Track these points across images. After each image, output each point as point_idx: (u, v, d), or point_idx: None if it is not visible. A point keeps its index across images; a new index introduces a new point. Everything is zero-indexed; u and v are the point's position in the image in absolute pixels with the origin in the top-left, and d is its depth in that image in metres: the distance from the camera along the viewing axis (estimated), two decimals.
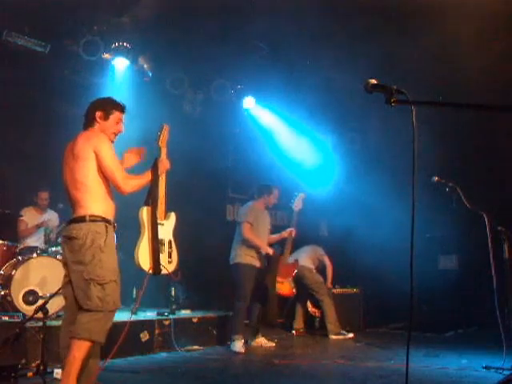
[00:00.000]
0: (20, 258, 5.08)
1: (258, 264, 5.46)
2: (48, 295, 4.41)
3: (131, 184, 3.20)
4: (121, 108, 3.30)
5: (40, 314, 3.85)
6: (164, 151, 3.59)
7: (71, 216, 3.15)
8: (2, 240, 5.37)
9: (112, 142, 3.23)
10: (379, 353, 5.27)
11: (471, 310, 6.55)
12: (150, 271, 3.35)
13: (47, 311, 3.88)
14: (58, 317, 4.89)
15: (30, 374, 3.72)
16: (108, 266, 3.05)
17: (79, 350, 2.91)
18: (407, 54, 5.83)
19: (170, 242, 3.54)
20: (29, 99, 6.27)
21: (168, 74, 7.17)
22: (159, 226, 3.46)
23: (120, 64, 6.77)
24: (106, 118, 3.24)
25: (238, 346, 5.21)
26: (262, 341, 5.67)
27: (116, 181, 3.13)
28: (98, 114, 3.24)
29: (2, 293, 4.75)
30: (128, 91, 7.05)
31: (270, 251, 5.47)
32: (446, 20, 5.13)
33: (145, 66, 7.06)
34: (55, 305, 4.72)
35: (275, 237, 5.89)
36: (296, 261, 6.20)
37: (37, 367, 3.72)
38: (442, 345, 5.94)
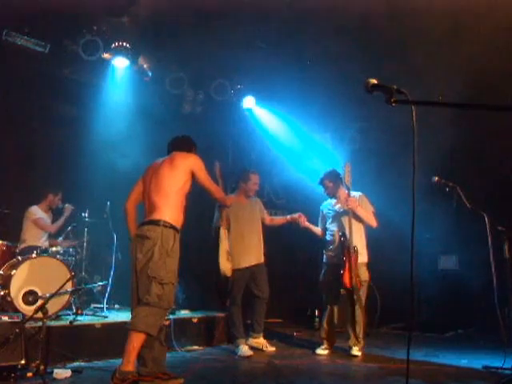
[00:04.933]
0: (20, 257, 5.09)
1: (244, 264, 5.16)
2: (48, 295, 4.41)
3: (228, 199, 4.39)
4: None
5: (40, 314, 3.85)
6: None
7: (146, 218, 3.57)
8: (2, 240, 5.38)
9: None
10: (379, 353, 5.27)
11: (471, 310, 6.55)
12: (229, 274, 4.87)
13: (47, 311, 3.88)
14: (57, 317, 4.90)
15: (29, 374, 3.72)
16: (170, 269, 3.46)
17: (137, 340, 3.30)
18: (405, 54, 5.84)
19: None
20: (29, 99, 6.27)
21: (168, 73, 7.17)
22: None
23: (120, 64, 6.77)
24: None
25: (244, 349, 5.03)
26: (263, 343, 5.36)
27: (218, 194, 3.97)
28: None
29: (2, 293, 4.74)
30: (128, 91, 7.06)
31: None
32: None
33: (145, 65, 7.06)
34: (55, 305, 4.73)
35: (278, 220, 5.61)
36: (355, 247, 5.08)
37: (37, 367, 3.72)
38: (442, 345, 5.94)
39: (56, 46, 6.17)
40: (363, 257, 5.16)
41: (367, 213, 5.14)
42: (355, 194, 5.17)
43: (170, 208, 3.55)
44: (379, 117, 7.08)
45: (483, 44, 5.31)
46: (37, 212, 6.00)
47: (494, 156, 6.80)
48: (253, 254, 5.23)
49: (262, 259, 5.31)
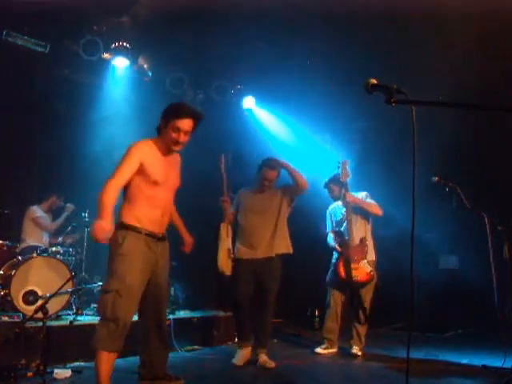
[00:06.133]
0: (20, 257, 5.09)
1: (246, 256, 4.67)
2: (48, 295, 4.41)
3: None
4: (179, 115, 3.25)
5: (40, 314, 3.85)
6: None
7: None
8: (2, 240, 5.39)
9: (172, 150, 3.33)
10: (379, 353, 5.27)
11: (471, 310, 6.54)
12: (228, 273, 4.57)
13: (47, 311, 3.88)
14: (58, 317, 4.90)
15: (29, 373, 3.72)
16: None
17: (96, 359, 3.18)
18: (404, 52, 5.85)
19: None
20: (29, 99, 6.27)
21: (168, 73, 7.17)
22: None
23: (120, 64, 6.77)
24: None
25: (237, 357, 4.56)
26: (262, 360, 4.49)
27: None
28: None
29: (2, 293, 4.75)
30: (128, 91, 7.06)
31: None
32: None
33: (145, 65, 7.07)
34: (55, 305, 4.73)
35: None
36: (362, 238, 5.13)
37: (37, 367, 3.71)
38: (442, 345, 5.94)
39: (56, 46, 6.18)
40: (370, 255, 5.16)
41: (370, 202, 5.14)
42: (361, 194, 5.21)
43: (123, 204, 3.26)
44: (380, 117, 7.07)
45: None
46: (36, 211, 6.02)
47: (494, 156, 6.80)
48: (260, 248, 4.63)
49: (272, 253, 4.63)
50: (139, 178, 3.16)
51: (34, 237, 5.92)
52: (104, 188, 3.06)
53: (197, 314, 5.92)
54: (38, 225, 5.96)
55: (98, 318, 3.17)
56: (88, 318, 5.08)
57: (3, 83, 5.72)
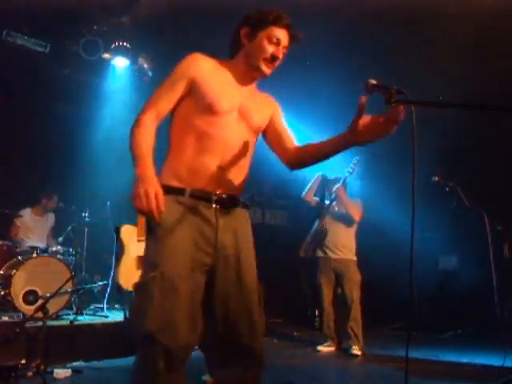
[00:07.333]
0: (20, 257, 5.09)
1: None
2: (48, 295, 4.41)
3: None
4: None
5: (40, 314, 3.85)
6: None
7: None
8: (2, 240, 5.38)
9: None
10: (379, 353, 5.27)
11: (471, 310, 6.55)
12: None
13: (47, 311, 3.88)
14: (58, 316, 4.90)
15: (30, 373, 3.71)
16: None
17: None
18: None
19: None
20: (29, 99, 6.28)
21: (168, 73, 7.16)
22: (140, 243, 2.90)
23: (120, 64, 6.77)
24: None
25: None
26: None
27: None
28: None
29: (2, 293, 4.75)
30: (128, 91, 7.06)
31: None
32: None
33: (145, 65, 7.06)
34: (55, 304, 4.73)
35: None
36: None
37: (37, 367, 3.71)
38: (442, 345, 5.94)
39: (56, 45, 6.19)
40: (352, 254, 5.26)
41: (352, 204, 5.22)
42: (356, 200, 5.33)
43: None
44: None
45: None
46: (18, 219, 5.91)
47: (494, 156, 6.80)
48: None
49: None
50: (188, 105, 2.03)
51: (34, 237, 5.92)
52: (132, 129, 1.92)
53: None
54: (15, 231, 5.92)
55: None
56: (88, 318, 5.08)
57: (3, 83, 5.72)
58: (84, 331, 4.59)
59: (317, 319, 7.04)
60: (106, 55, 6.59)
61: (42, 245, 5.73)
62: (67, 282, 4.68)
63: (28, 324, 4.00)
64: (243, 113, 2.06)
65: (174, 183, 1.92)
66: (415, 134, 1.73)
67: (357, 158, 5.15)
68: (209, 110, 1.96)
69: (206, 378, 3.32)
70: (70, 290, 4.95)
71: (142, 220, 3.05)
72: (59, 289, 4.39)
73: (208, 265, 1.88)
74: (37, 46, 6.03)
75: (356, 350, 5.00)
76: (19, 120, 6.24)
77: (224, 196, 1.94)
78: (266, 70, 2.08)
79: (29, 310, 4.52)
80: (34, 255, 5.04)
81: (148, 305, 1.74)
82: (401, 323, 6.92)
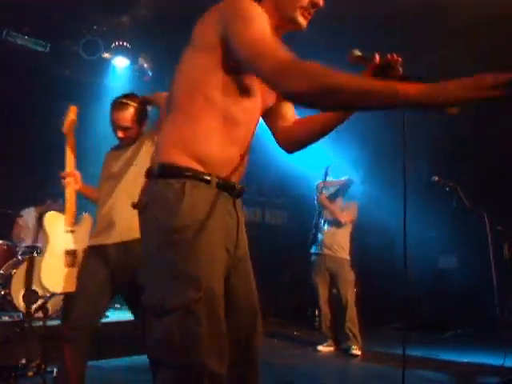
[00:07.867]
0: (20, 257, 5.09)
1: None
2: (48, 295, 4.41)
3: None
4: None
5: (40, 314, 3.85)
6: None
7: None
8: (2, 240, 5.38)
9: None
10: (379, 352, 5.27)
11: (471, 310, 6.55)
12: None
13: (47, 311, 3.88)
14: (58, 317, 4.90)
15: (30, 373, 3.72)
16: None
17: None
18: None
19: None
20: (29, 99, 6.28)
21: (168, 73, 7.16)
22: (69, 234, 2.74)
23: (120, 64, 6.77)
24: None
25: None
26: None
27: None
28: None
29: (2, 292, 4.75)
30: (128, 91, 7.04)
31: None
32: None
33: (145, 65, 7.06)
34: (55, 304, 4.72)
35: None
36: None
37: (37, 367, 3.71)
38: (442, 344, 5.94)
39: (56, 45, 6.19)
40: (346, 253, 5.31)
41: (336, 209, 5.30)
42: (351, 203, 5.41)
43: None
44: (378, 116, 7.07)
45: None
46: (20, 220, 5.94)
47: (494, 155, 6.80)
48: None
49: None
50: (215, 73, 1.51)
51: (34, 236, 5.91)
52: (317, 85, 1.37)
53: None
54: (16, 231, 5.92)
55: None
56: None
57: (3, 83, 5.72)
58: None
59: (317, 319, 7.03)
60: (106, 55, 6.60)
61: (42, 245, 5.73)
62: None
63: (28, 324, 4.00)
64: (262, 94, 1.63)
65: (198, 167, 1.47)
66: (405, 121, 1.72)
67: (329, 166, 5.36)
68: (245, 91, 1.51)
69: None
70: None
71: (71, 206, 2.77)
72: None
73: (228, 267, 1.54)
74: (37, 46, 6.03)
75: (356, 350, 5.01)
76: (19, 120, 6.23)
77: (239, 187, 1.62)
78: (303, 21, 1.66)
79: (29, 309, 4.52)
80: (35, 255, 5.04)
81: (197, 333, 1.36)
82: (400, 323, 6.92)
